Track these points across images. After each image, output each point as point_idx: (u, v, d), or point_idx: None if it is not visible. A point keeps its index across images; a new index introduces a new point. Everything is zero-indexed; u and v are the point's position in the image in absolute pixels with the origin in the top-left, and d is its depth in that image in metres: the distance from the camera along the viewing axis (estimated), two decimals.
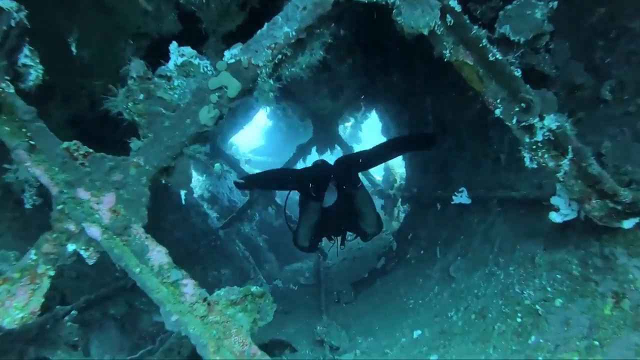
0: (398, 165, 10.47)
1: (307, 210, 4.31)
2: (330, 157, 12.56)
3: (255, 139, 19.99)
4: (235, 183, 4.64)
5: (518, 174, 4.02)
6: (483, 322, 3.48)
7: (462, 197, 4.89)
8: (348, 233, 5.02)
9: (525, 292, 3.21)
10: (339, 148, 10.14)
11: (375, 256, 8.03)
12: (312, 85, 10.05)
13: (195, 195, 11.04)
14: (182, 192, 9.61)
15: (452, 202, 5.44)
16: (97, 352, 4.51)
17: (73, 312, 3.65)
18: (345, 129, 14.43)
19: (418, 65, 6.77)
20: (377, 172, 11.36)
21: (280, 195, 10.41)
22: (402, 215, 9.62)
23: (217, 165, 13.23)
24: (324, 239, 5.08)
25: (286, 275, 9.13)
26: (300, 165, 9.97)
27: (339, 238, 5.06)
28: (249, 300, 2.57)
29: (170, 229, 7.51)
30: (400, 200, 8.73)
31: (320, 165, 4.66)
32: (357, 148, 11.41)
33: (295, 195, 4.91)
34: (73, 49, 3.41)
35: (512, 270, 3.59)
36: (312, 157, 10.19)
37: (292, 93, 10.20)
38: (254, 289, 2.60)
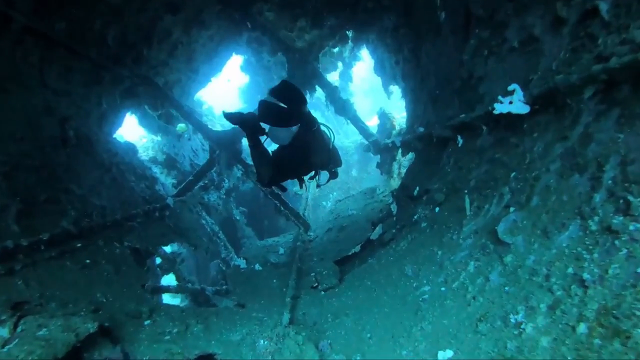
0: (397, 108, 8.31)
1: (254, 150, 4.05)
2: (309, 101, 10.35)
3: (233, 100, 17.64)
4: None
5: None
6: (620, 344, 1.40)
7: (512, 103, 2.76)
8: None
9: None
10: (319, 89, 7.91)
11: (369, 223, 5.95)
12: (280, 9, 7.79)
13: (145, 157, 8.89)
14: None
15: (489, 123, 3.34)
16: None
17: None
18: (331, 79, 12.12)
19: None
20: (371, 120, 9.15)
21: (248, 153, 8.26)
22: (403, 172, 7.52)
23: (181, 125, 11.07)
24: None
25: (256, 252, 7.07)
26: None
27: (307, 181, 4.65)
28: None
29: (86, 193, 5.39)
30: (400, 150, 6.59)
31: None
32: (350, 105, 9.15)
33: None
34: None
35: None
36: None
37: (258, 21, 7.95)
38: None
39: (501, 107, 2.81)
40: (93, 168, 6.10)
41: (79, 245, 4.32)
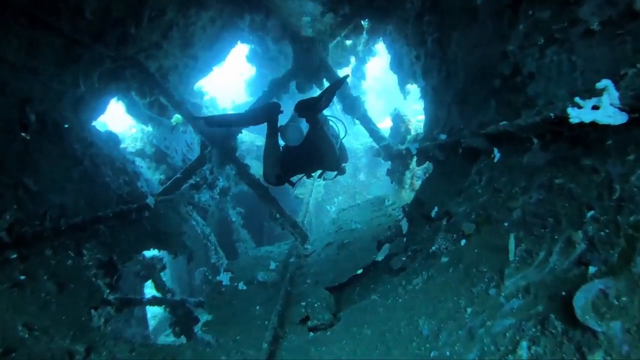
0: (413, 111, 7.39)
1: (267, 145, 4.19)
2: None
3: (239, 92, 16.79)
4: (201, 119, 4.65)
5: None
6: None
7: (599, 109, 1.86)
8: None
9: None
10: (327, 84, 7.03)
11: (375, 242, 5.06)
12: None
13: (132, 148, 8.08)
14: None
15: (544, 135, 2.46)
16: None
17: None
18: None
19: None
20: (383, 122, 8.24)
21: (243, 150, 7.43)
22: (418, 184, 6.62)
23: (176, 116, 10.25)
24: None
25: (244, 264, 6.22)
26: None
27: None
28: None
29: (45, 190, 4.58)
30: (416, 158, 5.69)
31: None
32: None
33: None
34: None
35: None
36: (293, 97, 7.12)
37: (262, 4, 7.09)
38: None
39: (579, 114, 1.91)
40: (60, 159, 5.28)
41: (13, 256, 3.49)
